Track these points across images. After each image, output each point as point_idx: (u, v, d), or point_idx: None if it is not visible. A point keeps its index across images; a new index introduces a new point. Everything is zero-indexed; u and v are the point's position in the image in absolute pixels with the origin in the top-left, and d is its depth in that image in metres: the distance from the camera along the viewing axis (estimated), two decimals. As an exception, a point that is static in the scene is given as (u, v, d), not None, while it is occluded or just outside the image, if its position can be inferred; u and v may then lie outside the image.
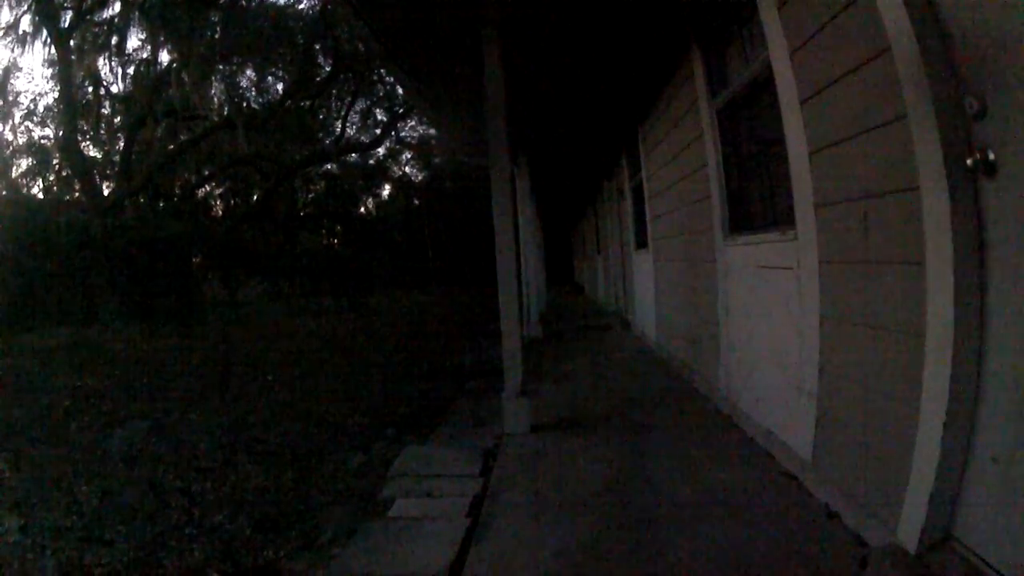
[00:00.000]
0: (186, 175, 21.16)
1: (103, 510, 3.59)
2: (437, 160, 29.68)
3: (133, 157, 17.72)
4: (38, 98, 23.58)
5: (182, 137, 19.00)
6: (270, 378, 7.06)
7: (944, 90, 1.93)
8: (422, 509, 3.06)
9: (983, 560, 1.88)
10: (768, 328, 3.47)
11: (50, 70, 19.35)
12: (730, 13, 3.80)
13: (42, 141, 22.04)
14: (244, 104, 18.60)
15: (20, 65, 26.26)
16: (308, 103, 19.44)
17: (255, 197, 22.95)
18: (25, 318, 9.93)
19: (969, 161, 1.88)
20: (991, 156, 1.82)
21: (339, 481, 3.75)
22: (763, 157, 3.57)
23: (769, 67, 3.10)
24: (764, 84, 3.29)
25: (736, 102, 3.93)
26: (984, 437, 1.91)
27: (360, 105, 21.77)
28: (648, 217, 7.11)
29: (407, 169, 32.70)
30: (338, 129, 21.76)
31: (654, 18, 4.53)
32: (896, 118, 2.09)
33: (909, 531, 2.08)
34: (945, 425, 1.93)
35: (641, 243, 7.90)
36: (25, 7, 16.29)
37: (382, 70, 17.15)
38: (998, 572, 1.81)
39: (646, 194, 7.14)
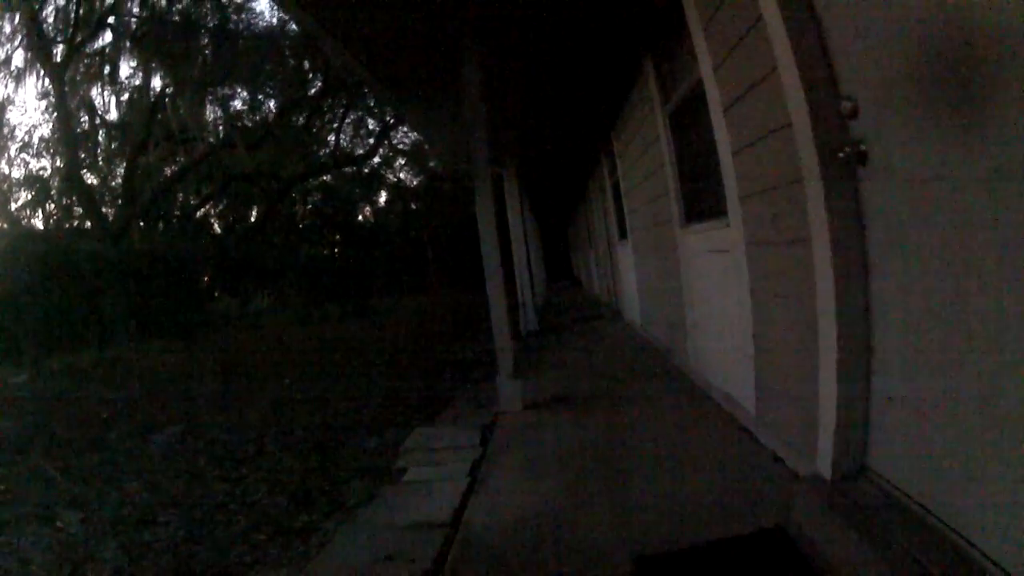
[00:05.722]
0: (186, 196, 21.68)
1: (153, 500, 4.12)
2: (432, 164, 30.08)
3: (135, 182, 18.24)
4: (33, 129, 23.99)
5: (180, 159, 19.54)
6: (287, 381, 7.61)
7: (822, 98, 2.40)
8: (430, 474, 3.59)
9: (896, 487, 2.20)
10: (719, 304, 3.98)
11: (43, 102, 19.86)
12: (672, 32, 4.31)
13: (40, 172, 22.57)
14: (240, 123, 19.12)
15: (13, 100, 26.72)
16: (302, 119, 19.96)
17: (254, 213, 23.53)
18: (53, 342, 10.49)
19: (842, 154, 2.35)
20: (863, 148, 2.27)
21: (358, 460, 4.29)
22: (705, 156, 4.06)
23: (700, 80, 3.63)
24: (699, 94, 3.80)
25: (682, 109, 4.45)
26: (879, 381, 2.32)
27: (352, 116, 22.34)
28: (626, 211, 7.64)
29: (402, 175, 33.12)
30: (332, 141, 22.32)
31: (615, 37, 5.05)
32: (785, 124, 2.60)
33: (825, 464, 2.49)
34: (838, 373, 2.36)
35: (623, 235, 8.42)
36: (17, 43, 16.82)
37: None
38: (907, 496, 2.13)
39: (622, 190, 7.66)
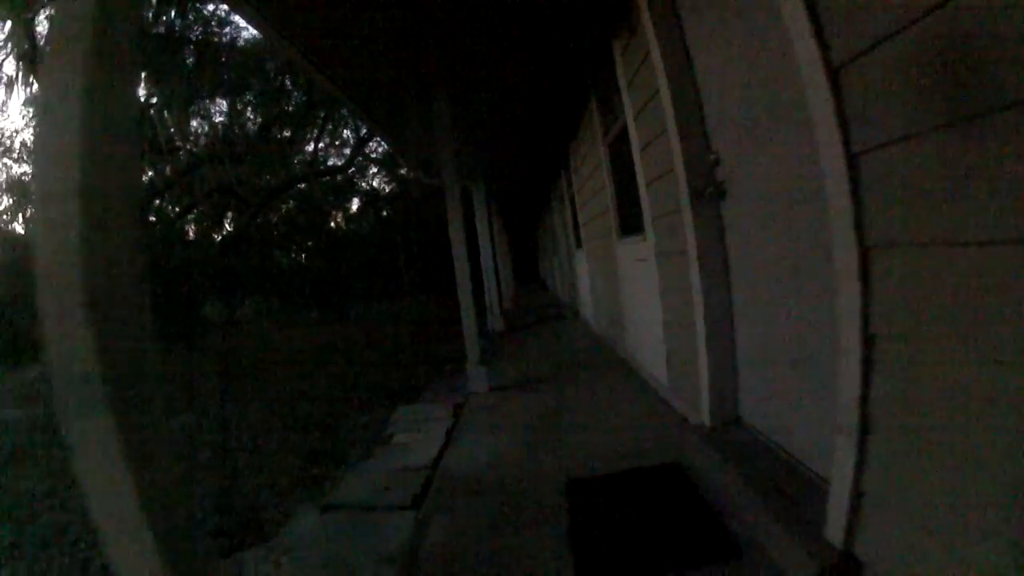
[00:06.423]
0: (171, 206, 22.13)
1: (185, 465, 4.95)
2: (403, 171, 30.56)
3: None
4: (14, 135, 23.95)
5: (162, 168, 20.01)
6: (282, 376, 8.47)
7: (694, 152, 3.38)
8: (414, 438, 4.52)
9: (760, 431, 3.02)
10: (644, 303, 4.96)
11: (27, 108, 20.13)
12: (609, 81, 5.30)
13: (21, 177, 22.66)
14: (224, 136, 19.71)
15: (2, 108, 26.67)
16: (286, 132, 20.63)
17: (230, 223, 24.10)
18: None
19: (707, 193, 3.35)
20: (724, 187, 3.25)
21: (354, 433, 5.21)
22: (633, 183, 5.05)
23: (626, 124, 4.63)
24: (626, 134, 4.79)
25: (617, 143, 5.44)
26: (741, 350, 3.27)
27: (328, 126, 23.00)
28: (580, 223, 8.66)
29: (375, 183, 33.58)
30: (310, 152, 23.03)
31: (568, 77, 6.03)
32: (671, 169, 3.58)
33: (706, 415, 3.41)
34: (707, 347, 3.32)
35: (578, 244, 9.42)
36: (5, 53, 17.25)
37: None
38: (767, 437, 2.93)
39: (577, 204, 8.68)
